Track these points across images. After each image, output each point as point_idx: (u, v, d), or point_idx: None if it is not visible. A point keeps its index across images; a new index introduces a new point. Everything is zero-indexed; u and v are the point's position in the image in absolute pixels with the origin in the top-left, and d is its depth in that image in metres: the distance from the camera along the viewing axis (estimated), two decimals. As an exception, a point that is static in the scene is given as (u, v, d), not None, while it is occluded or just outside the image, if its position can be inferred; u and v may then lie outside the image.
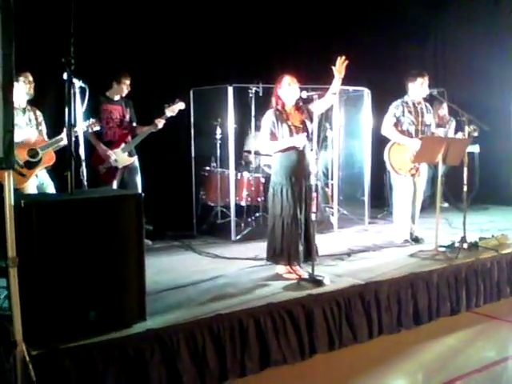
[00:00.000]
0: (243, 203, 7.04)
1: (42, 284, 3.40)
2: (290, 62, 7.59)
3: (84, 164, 4.45)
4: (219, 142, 7.22)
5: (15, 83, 5.00)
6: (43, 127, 5.41)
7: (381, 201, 8.40)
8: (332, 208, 7.55)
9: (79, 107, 4.40)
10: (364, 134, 7.81)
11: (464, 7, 9.28)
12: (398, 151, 6.15)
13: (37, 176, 5.19)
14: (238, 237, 6.65)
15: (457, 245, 5.81)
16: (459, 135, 6.83)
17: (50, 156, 5.20)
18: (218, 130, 7.20)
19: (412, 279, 4.98)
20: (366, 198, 7.74)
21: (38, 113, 5.40)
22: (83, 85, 4.37)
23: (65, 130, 4.92)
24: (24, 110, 5.24)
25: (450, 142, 5.81)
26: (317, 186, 7.36)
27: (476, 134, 6.19)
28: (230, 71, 7.39)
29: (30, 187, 5.12)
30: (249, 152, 7.39)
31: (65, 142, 4.99)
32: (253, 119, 6.96)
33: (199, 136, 7.25)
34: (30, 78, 5.17)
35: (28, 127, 5.23)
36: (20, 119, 5.14)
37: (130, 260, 3.75)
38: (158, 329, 3.71)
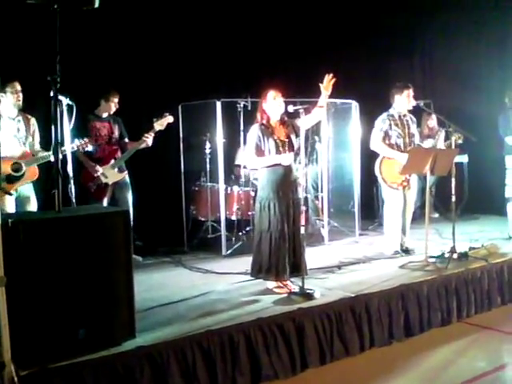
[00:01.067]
0: (234, 217, 7.03)
1: (30, 303, 3.38)
2: (279, 75, 7.60)
3: (72, 181, 4.46)
4: (209, 156, 7.23)
5: (2, 94, 5.04)
6: (36, 136, 5.39)
7: (371, 212, 8.43)
8: (322, 221, 7.56)
9: (67, 125, 4.42)
10: (353, 146, 7.85)
11: (451, 19, 9.35)
12: (389, 165, 6.17)
13: (16, 189, 5.16)
14: (229, 251, 6.65)
15: (447, 255, 5.84)
16: (443, 144, 6.87)
17: (34, 171, 5.18)
18: (208, 145, 7.21)
19: (402, 291, 4.98)
20: (356, 210, 7.75)
21: (32, 121, 5.38)
22: (70, 102, 4.39)
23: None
24: (14, 120, 5.21)
25: (437, 153, 5.84)
26: (306, 198, 7.42)
27: (461, 142, 6.21)
28: (218, 86, 7.41)
29: (8, 201, 5.06)
30: (239, 166, 7.40)
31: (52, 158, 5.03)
32: (242, 133, 6.97)
33: (189, 151, 7.27)
34: (18, 88, 5.15)
35: (15, 139, 5.20)
36: (7, 130, 5.11)
37: (119, 277, 3.73)
38: (147, 346, 3.70)
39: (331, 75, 4.85)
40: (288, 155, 4.89)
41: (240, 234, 7.02)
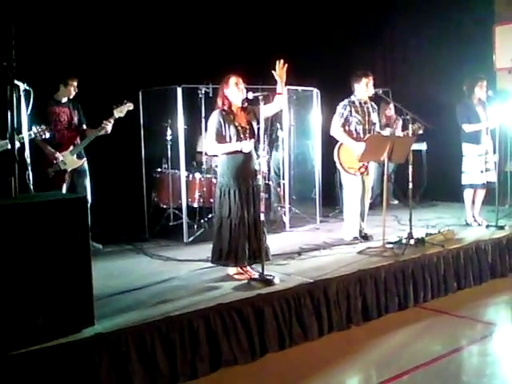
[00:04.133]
0: (195, 205, 7.02)
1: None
2: (239, 62, 7.60)
3: (30, 168, 4.40)
4: (170, 143, 7.20)
5: None
6: None
7: (332, 199, 8.52)
8: (284, 207, 7.61)
9: (24, 110, 4.35)
10: (314, 134, 7.90)
11: (412, 8, 9.46)
12: (347, 151, 6.25)
13: None
14: (191, 239, 6.64)
15: (404, 241, 5.94)
16: (401, 133, 6.96)
17: None
18: (169, 131, 7.18)
19: (360, 276, 5.06)
20: (318, 197, 7.83)
21: None
22: (28, 88, 4.32)
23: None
24: None
25: (394, 141, 5.92)
26: (269, 186, 7.45)
27: (421, 132, 6.32)
28: (179, 72, 7.36)
29: None
30: (200, 153, 7.39)
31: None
32: (203, 120, 6.95)
33: (149, 137, 7.20)
34: None
35: None
36: None
37: (77, 264, 3.70)
38: (106, 333, 3.70)
39: (282, 61, 4.86)
40: (248, 142, 4.90)
41: (202, 221, 7.02)
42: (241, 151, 4.89)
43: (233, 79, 4.99)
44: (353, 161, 6.20)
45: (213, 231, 5.17)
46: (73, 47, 6.79)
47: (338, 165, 6.36)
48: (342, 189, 6.76)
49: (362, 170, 6.25)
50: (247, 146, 4.88)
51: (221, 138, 4.93)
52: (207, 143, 5.07)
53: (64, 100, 6.20)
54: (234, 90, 4.98)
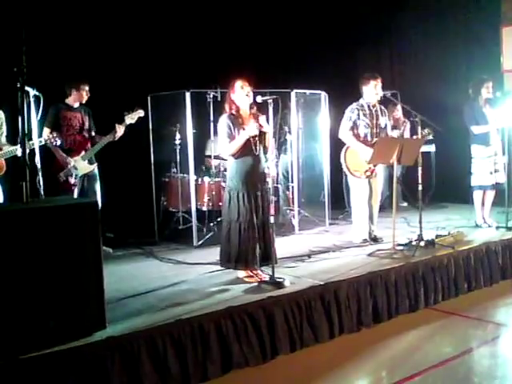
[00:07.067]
0: (205, 208, 7.04)
1: (-2, 295, 3.37)
2: (247, 66, 7.64)
3: (40, 173, 4.43)
4: (179, 147, 7.23)
5: None
6: (3, 129, 5.32)
7: (341, 202, 8.50)
8: (293, 210, 7.61)
9: (34, 116, 4.38)
10: (322, 137, 7.91)
11: (418, 10, 9.46)
12: (354, 154, 6.24)
13: None
14: (200, 242, 6.66)
15: (414, 243, 5.92)
16: (409, 136, 6.95)
17: (0, 166, 5.13)
18: (177, 136, 7.21)
19: (370, 278, 5.05)
20: (327, 200, 7.83)
21: (1, 114, 5.32)
22: (37, 93, 4.35)
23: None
24: None
25: (403, 143, 5.92)
26: (277, 189, 7.47)
27: (431, 137, 6.31)
28: (187, 76, 7.39)
29: None
30: (209, 157, 7.41)
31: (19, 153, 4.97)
32: (211, 124, 6.97)
33: (158, 142, 7.25)
34: None
35: None
36: None
37: (88, 268, 3.73)
38: (118, 336, 3.71)
39: None
40: (252, 124, 4.89)
41: (211, 224, 7.03)
42: (250, 153, 4.91)
43: (238, 83, 5.02)
44: (359, 164, 6.19)
45: (222, 234, 5.18)
46: (82, 53, 6.84)
47: (344, 167, 6.36)
48: (348, 191, 6.76)
49: (368, 173, 6.24)
50: (251, 127, 4.88)
51: (233, 139, 4.94)
52: (222, 146, 5.06)
53: (76, 105, 6.23)
54: (240, 93, 5.00)
